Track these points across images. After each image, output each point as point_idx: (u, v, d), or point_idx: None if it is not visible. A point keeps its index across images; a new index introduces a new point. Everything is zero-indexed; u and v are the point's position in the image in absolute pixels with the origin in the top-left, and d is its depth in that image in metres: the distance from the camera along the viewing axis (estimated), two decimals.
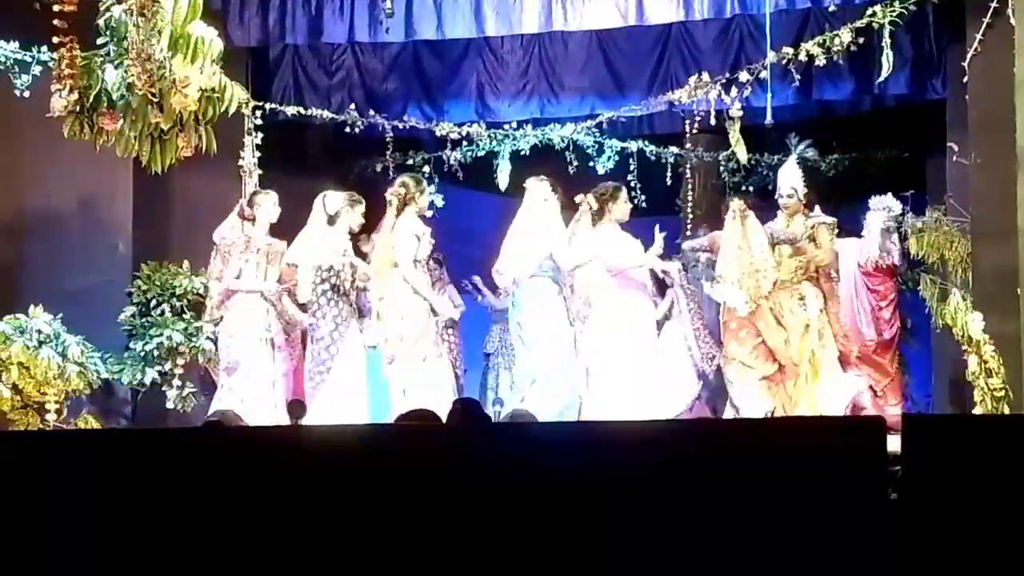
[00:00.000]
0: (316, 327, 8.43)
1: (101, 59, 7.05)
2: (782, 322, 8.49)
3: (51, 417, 8.12)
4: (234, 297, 8.54)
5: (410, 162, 11.39)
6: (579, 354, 8.33)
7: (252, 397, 8.28)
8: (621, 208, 8.59)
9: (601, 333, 8.35)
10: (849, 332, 9.00)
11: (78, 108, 7.16)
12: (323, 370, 8.37)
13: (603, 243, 8.45)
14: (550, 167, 10.05)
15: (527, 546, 3.06)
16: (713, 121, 9.27)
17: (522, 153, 10.60)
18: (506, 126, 10.64)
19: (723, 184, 11.70)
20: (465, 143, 10.75)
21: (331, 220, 8.58)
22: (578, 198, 8.60)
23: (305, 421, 8.23)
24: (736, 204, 8.69)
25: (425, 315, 8.29)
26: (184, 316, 8.87)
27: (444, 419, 5.21)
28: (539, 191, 8.45)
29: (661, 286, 9.15)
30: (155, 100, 6.87)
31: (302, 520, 3.09)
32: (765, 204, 11.51)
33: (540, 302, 8.28)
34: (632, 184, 10.53)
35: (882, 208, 9.30)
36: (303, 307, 8.66)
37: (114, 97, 7.02)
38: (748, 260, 8.44)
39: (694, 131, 10.21)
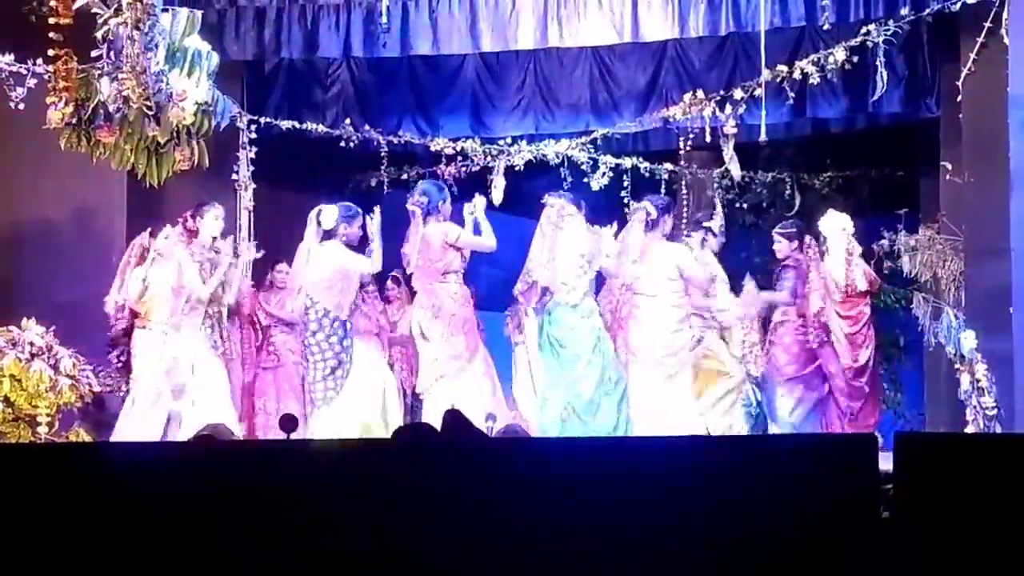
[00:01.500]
0: (312, 352, 8.41)
1: (99, 72, 7.05)
2: None
3: (43, 430, 8.08)
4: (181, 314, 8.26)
5: (404, 177, 11.39)
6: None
7: (211, 413, 7.93)
8: (670, 223, 8.79)
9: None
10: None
11: (75, 120, 7.16)
12: (328, 396, 8.36)
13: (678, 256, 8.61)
14: (545, 183, 10.07)
15: (520, 560, 3.06)
16: (708, 138, 9.30)
17: (517, 169, 10.60)
18: (501, 142, 10.63)
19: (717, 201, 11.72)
20: (460, 158, 10.75)
21: (328, 235, 8.49)
22: (635, 207, 8.77)
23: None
24: None
25: (474, 334, 8.39)
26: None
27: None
28: (557, 208, 8.44)
29: None
30: (150, 113, 6.88)
31: (294, 531, 3.09)
32: (760, 221, 11.58)
33: (582, 318, 8.28)
34: (626, 200, 10.55)
35: (840, 229, 8.88)
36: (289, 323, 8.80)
37: (111, 110, 7.02)
38: None
39: (688, 148, 10.22)
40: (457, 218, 8.63)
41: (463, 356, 8.32)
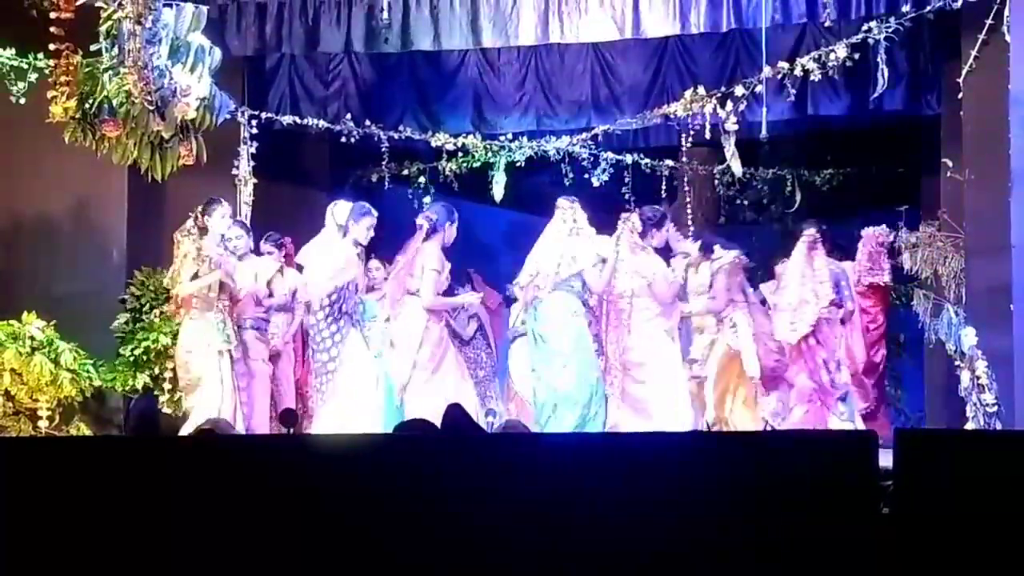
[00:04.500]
0: (316, 343, 8.29)
1: (104, 66, 7.06)
2: None
3: (43, 424, 8.10)
4: (190, 311, 8.05)
5: (405, 172, 11.40)
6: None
7: (211, 411, 7.74)
8: (662, 236, 8.37)
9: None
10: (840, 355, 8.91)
11: (79, 115, 7.17)
12: (324, 389, 8.24)
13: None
14: (546, 179, 10.07)
15: (517, 553, 3.07)
16: (708, 135, 9.30)
17: (518, 165, 10.61)
18: (502, 137, 10.64)
19: (718, 197, 11.74)
20: (461, 154, 10.76)
21: (341, 231, 8.23)
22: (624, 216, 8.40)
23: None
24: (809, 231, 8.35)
25: (438, 342, 8.28)
26: (173, 319, 8.71)
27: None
28: (569, 213, 8.21)
29: None
30: (152, 108, 6.88)
31: (297, 525, 3.09)
32: (761, 218, 11.58)
33: (566, 315, 8.11)
34: (627, 196, 10.56)
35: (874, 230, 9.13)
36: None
37: (115, 104, 7.03)
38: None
39: (689, 144, 10.22)
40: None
41: (427, 367, 8.24)
